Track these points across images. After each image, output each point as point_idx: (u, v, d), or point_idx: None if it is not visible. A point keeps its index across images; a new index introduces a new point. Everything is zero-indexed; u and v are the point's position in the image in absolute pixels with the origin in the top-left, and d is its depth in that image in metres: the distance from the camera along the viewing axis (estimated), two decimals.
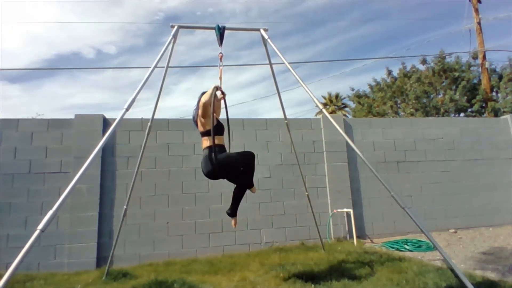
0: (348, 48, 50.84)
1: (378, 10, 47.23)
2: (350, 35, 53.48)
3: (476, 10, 11.11)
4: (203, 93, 3.03)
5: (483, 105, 11.27)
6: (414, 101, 11.64)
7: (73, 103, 41.41)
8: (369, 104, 13.71)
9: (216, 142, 2.87)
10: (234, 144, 4.16)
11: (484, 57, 10.91)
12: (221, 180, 3.29)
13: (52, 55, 54.32)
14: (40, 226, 1.80)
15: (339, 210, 5.84)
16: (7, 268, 1.65)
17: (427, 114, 11.37)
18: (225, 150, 3.07)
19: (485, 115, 11.23)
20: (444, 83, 12.06)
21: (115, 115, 2.50)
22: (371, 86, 14.32)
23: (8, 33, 44.39)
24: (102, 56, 54.47)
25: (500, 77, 11.68)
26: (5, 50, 44.89)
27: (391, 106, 12.85)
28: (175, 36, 3.34)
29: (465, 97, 11.30)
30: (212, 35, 3.45)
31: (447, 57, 12.07)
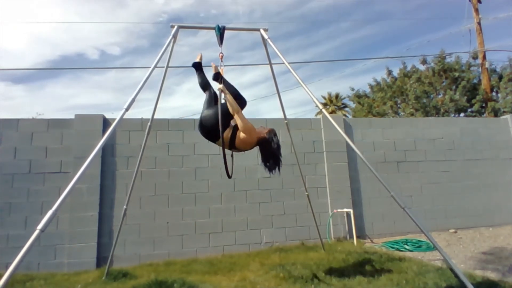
0: (349, 49, 51.00)
1: (379, 12, 47.26)
2: (352, 36, 53.63)
3: (476, 10, 11.12)
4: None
5: (483, 105, 11.27)
6: (414, 101, 11.63)
7: (76, 104, 41.50)
8: (369, 104, 13.71)
9: None
10: None
11: (484, 57, 10.91)
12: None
13: (56, 56, 54.55)
14: (40, 226, 1.79)
15: (339, 210, 5.83)
16: (7, 268, 1.65)
17: (427, 114, 11.37)
18: None
19: (485, 115, 11.23)
20: (444, 83, 12.06)
21: (117, 115, 2.49)
22: (371, 86, 14.32)
23: (13, 34, 44.48)
24: (106, 57, 54.61)
25: (500, 77, 11.68)
26: (9, 50, 44.96)
27: (391, 106, 12.84)
28: (175, 36, 3.34)
29: (465, 97, 11.29)
30: (215, 37, 3.44)
31: (447, 57, 12.07)
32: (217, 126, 2.69)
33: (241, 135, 2.75)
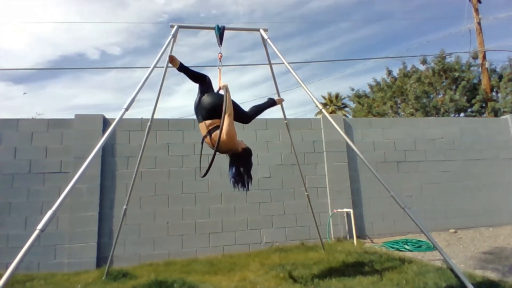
0: (349, 49, 51.12)
1: (379, 12, 47.31)
2: (352, 36, 53.73)
3: (476, 10, 11.12)
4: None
5: (483, 105, 11.27)
6: (414, 101, 11.63)
7: (77, 104, 41.53)
8: (369, 104, 13.71)
9: None
10: None
11: (484, 57, 10.91)
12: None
13: (57, 56, 54.69)
14: (39, 226, 1.79)
15: (339, 210, 5.83)
16: (7, 268, 1.65)
17: (427, 114, 11.37)
18: None
19: (485, 115, 11.23)
20: (444, 83, 12.05)
21: (117, 115, 2.49)
22: (371, 86, 14.32)
23: (13, 34, 44.52)
24: (107, 57, 54.72)
25: (500, 77, 11.68)
26: (10, 50, 45.00)
27: (391, 106, 12.84)
28: (174, 36, 3.34)
29: (465, 97, 11.29)
30: (215, 37, 3.44)
31: (447, 57, 12.07)
32: (212, 106, 2.79)
33: (223, 136, 2.62)
